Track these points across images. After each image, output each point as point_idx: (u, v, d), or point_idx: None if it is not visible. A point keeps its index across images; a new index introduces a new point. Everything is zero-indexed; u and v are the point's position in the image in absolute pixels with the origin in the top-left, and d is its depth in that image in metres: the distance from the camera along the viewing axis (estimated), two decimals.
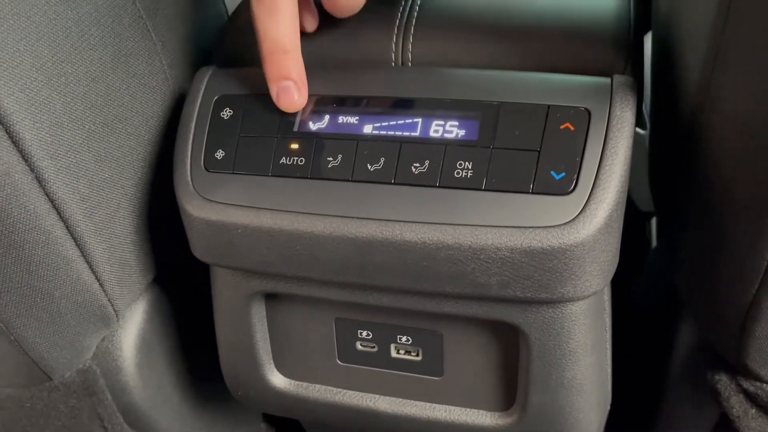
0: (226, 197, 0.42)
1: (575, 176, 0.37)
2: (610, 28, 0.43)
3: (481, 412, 0.48)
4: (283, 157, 0.42)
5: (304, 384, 0.51)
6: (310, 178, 0.41)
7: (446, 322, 0.45)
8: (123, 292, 0.46)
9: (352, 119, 0.41)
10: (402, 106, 0.41)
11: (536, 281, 0.38)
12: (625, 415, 0.57)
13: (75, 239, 0.41)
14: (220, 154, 0.43)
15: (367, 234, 0.39)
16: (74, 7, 0.38)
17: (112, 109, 0.42)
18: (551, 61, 0.42)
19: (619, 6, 0.44)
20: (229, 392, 0.54)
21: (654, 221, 0.81)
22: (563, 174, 0.38)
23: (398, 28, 0.45)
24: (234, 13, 0.52)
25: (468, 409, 0.48)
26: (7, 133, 0.35)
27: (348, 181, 0.41)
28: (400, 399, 0.49)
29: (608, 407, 0.50)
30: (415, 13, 0.45)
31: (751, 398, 0.44)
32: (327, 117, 0.42)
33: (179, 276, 0.53)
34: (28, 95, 0.35)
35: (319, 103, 0.42)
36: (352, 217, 0.40)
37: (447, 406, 0.48)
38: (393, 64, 0.45)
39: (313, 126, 0.42)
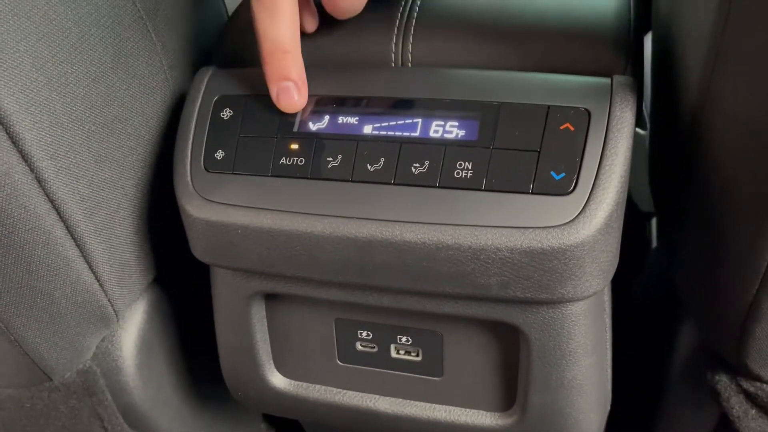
0: (226, 197, 0.42)
1: (575, 176, 0.37)
2: (610, 29, 0.43)
3: (481, 412, 0.48)
4: (283, 158, 0.42)
5: (304, 384, 0.51)
6: (310, 179, 0.41)
7: (446, 323, 0.45)
8: (123, 292, 0.46)
9: (352, 119, 0.41)
10: (402, 106, 0.41)
11: (536, 281, 0.38)
12: (625, 416, 0.57)
13: (75, 239, 0.41)
14: (220, 155, 0.43)
15: (367, 234, 0.39)
16: (74, 7, 0.38)
17: (112, 110, 0.42)
18: (551, 62, 0.42)
19: (619, 6, 0.44)
20: (229, 393, 0.54)
21: (654, 221, 0.81)
22: (563, 174, 0.38)
23: (398, 28, 0.45)
24: (234, 13, 0.51)
25: (468, 410, 0.48)
26: (7, 133, 0.35)
27: (348, 181, 0.40)
28: (400, 399, 0.49)
29: (608, 407, 0.50)
30: (415, 14, 0.45)
31: (752, 399, 0.43)
32: (327, 117, 0.42)
33: (179, 276, 0.53)
34: (28, 95, 0.35)
35: (319, 104, 0.42)
36: (352, 218, 0.40)
37: (447, 407, 0.48)
38: (393, 64, 0.45)
39: (312, 126, 0.42)
